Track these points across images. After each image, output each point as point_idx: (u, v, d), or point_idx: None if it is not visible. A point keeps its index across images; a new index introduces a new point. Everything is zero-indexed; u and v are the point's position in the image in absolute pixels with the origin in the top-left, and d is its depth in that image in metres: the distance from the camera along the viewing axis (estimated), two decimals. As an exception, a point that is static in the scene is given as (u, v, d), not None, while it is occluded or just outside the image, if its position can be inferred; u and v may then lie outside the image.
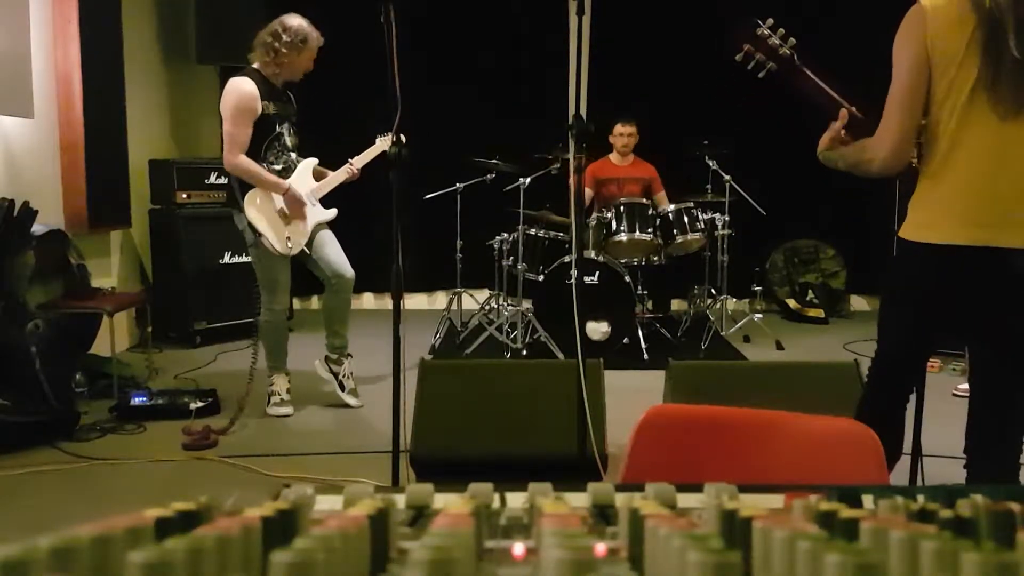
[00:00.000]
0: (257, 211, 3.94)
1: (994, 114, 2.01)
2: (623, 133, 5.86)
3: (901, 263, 2.21)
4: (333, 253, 4.16)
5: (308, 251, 4.11)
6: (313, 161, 4.21)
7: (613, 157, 5.99)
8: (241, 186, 3.97)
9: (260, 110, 3.90)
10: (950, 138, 2.05)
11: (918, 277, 2.16)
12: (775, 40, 2.25)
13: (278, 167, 4.02)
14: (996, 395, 2.23)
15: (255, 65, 3.98)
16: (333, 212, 4.21)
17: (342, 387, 4.27)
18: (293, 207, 4.00)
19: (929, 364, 2.47)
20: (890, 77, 2.12)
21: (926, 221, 2.11)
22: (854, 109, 2.22)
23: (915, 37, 2.05)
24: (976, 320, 2.18)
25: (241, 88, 3.88)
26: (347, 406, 4.25)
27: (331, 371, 4.28)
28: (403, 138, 2.64)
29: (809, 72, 2.25)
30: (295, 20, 3.97)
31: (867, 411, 2.28)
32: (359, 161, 4.18)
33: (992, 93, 2.00)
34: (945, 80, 2.03)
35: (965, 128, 2.03)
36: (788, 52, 2.25)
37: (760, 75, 2.28)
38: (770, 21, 2.27)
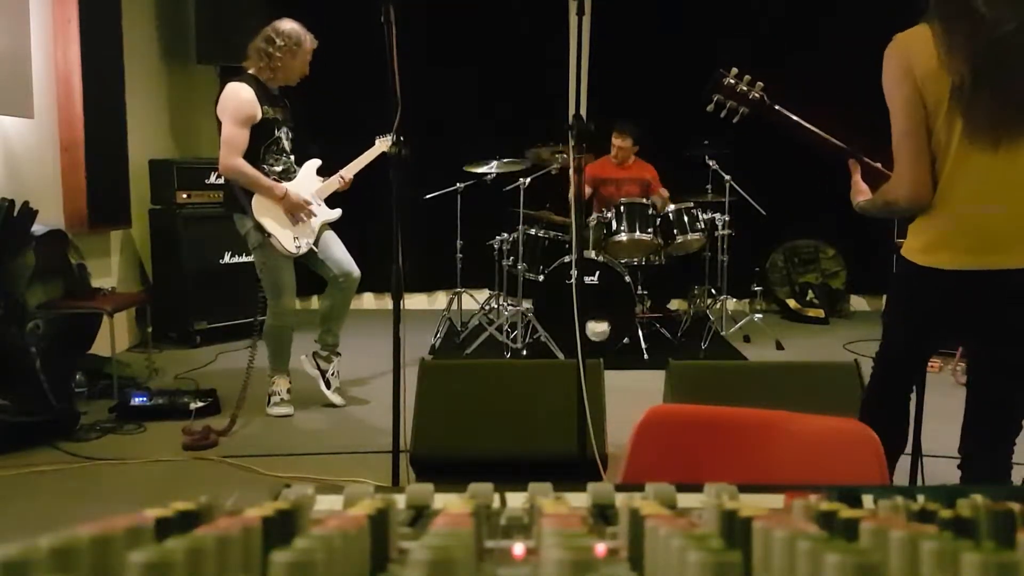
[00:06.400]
0: (266, 212, 3.95)
1: (978, 149, 2.03)
2: (622, 147, 5.85)
3: (903, 281, 2.25)
4: (340, 252, 4.20)
5: (316, 249, 4.13)
6: (316, 163, 4.24)
7: (612, 158, 5.99)
8: (245, 188, 3.98)
9: (260, 115, 3.91)
10: (947, 173, 2.07)
11: (919, 296, 2.21)
12: (742, 87, 2.29)
13: (278, 169, 4.04)
14: (992, 397, 2.26)
15: (250, 71, 4.00)
16: (338, 212, 4.25)
17: (328, 384, 4.28)
18: (296, 209, 4.01)
19: (930, 364, 2.49)
20: (874, 102, 2.13)
21: (926, 247, 2.14)
22: (844, 145, 2.25)
23: (905, 76, 2.06)
24: (974, 329, 2.24)
25: (239, 94, 3.88)
26: (332, 405, 4.26)
27: (319, 367, 4.28)
28: (402, 138, 2.64)
29: (783, 110, 2.28)
30: (287, 24, 3.98)
31: (872, 404, 2.36)
32: (348, 172, 4.22)
33: (972, 134, 2.02)
34: (935, 122, 2.06)
35: (958, 162, 2.05)
36: (758, 95, 2.27)
37: (734, 120, 2.32)
38: (734, 70, 2.31)
